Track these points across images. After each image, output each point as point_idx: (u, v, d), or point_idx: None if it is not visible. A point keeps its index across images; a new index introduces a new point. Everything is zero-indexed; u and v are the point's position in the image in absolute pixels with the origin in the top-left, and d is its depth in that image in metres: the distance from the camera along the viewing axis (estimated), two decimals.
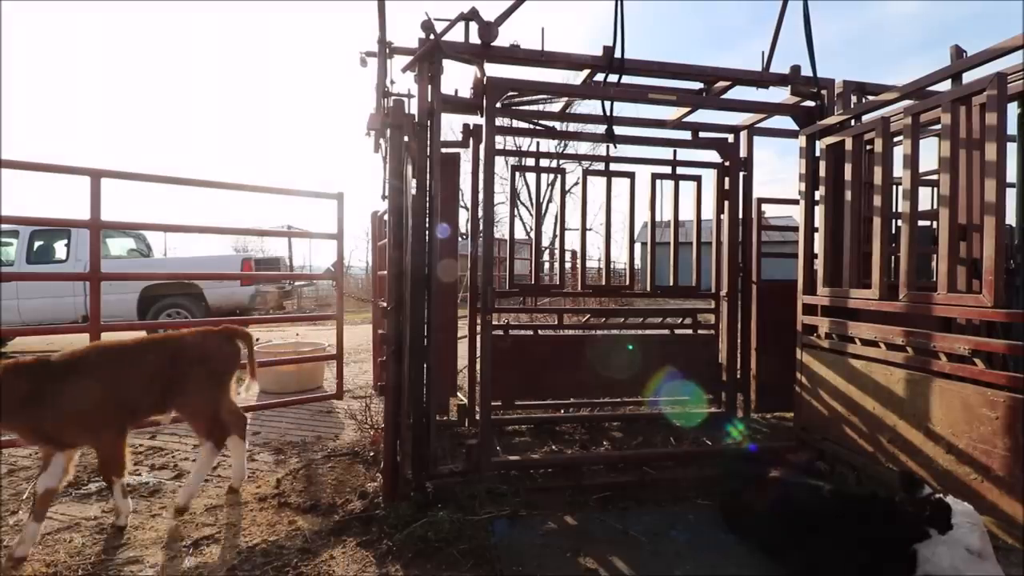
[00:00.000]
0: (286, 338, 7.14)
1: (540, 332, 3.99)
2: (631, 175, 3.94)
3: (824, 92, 3.28)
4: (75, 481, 3.02)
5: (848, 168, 2.90)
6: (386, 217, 3.07)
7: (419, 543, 2.21)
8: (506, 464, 2.87)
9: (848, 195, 2.91)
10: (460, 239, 3.94)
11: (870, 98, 3.15)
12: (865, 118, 2.94)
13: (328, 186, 6.09)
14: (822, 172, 3.14)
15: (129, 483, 3.00)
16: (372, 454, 3.24)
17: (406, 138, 2.74)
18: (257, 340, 8.30)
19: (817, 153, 3.19)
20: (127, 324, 5.54)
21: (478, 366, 3.21)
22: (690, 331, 4.09)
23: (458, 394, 3.89)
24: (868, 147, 3.04)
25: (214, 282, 7.77)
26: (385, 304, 2.80)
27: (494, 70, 3.01)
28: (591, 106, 6.76)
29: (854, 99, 3.26)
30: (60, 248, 7.59)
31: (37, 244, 7.50)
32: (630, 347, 3.86)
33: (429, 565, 2.15)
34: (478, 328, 3.42)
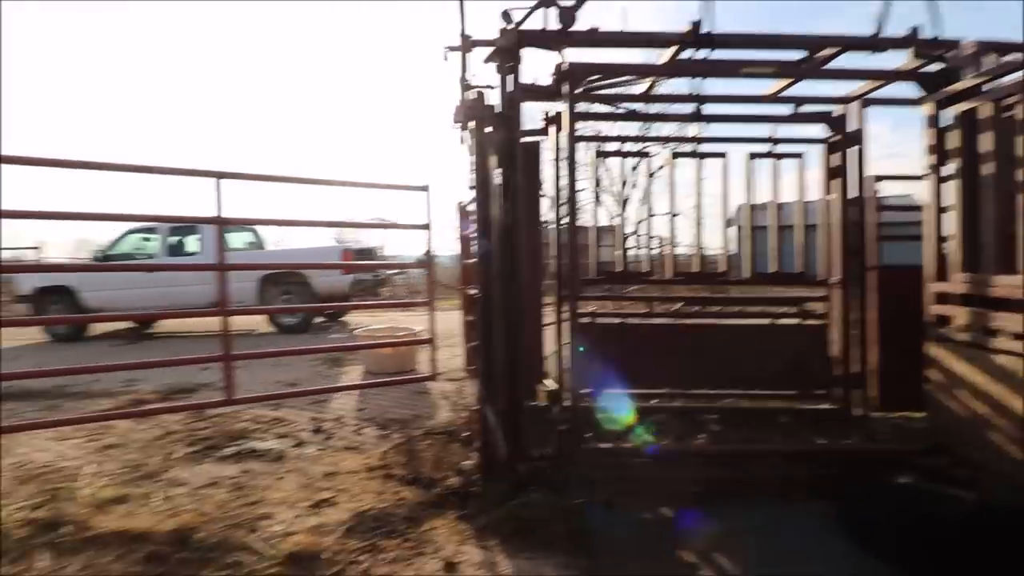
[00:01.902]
0: (382, 323, 7.63)
1: (629, 321, 3.95)
2: (723, 155, 3.75)
3: (951, 54, 2.90)
4: (215, 444, 3.49)
5: (984, 138, 2.56)
6: (471, 207, 3.19)
7: (514, 522, 2.31)
8: (597, 452, 2.90)
9: (986, 169, 2.57)
10: (544, 227, 3.99)
11: (1007, 58, 2.74)
12: (1004, 81, 2.57)
13: (414, 178, 6.38)
14: (953, 144, 2.79)
15: (258, 448, 3.43)
16: (466, 434, 3.42)
17: (489, 129, 2.81)
18: (358, 325, 8.91)
19: (946, 123, 2.84)
20: (249, 309, 6.25)
21: (566, 353, 3.26)
22: (796, 321, 3.83)
23: (545, 381, 3.98)
24: (1008, 113, 2.66)
25: (318, 271, 8.49)
26: (473, 292, 2.93)
27: (573, 55, 3.00)
28: (677, 85, 6.47)
29: (988, 61, 2.85)
30: (192, 242, 8.67)
31: (175, 239, 8.61)
32: (729, 338, 3.70)
33: (525, 543, 2.24)
34: (565, 316, 3.46)
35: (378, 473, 2.98)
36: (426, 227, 4.26)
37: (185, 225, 8.44)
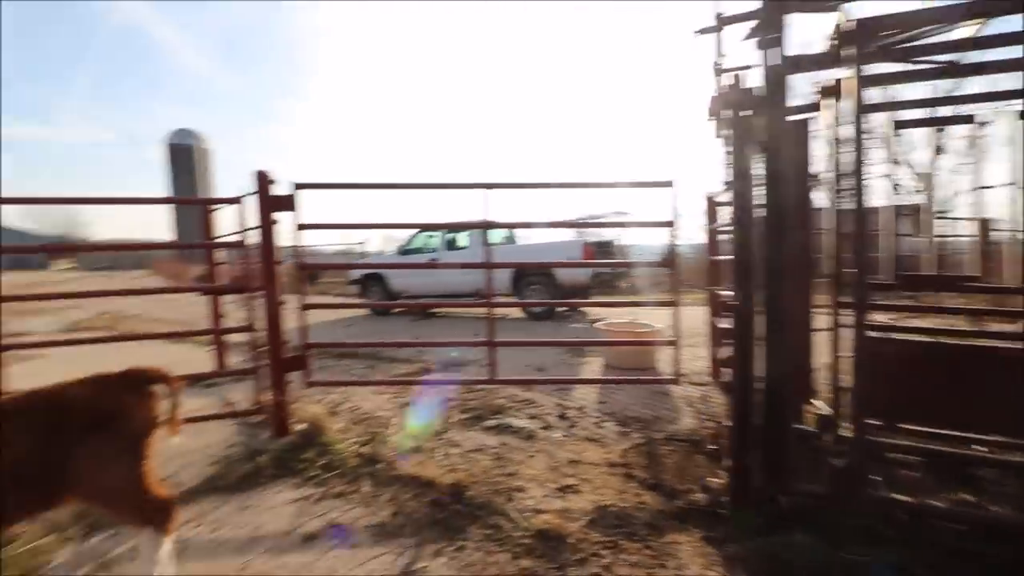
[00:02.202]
0: (622, 317, 7.70)
1: (942, 339, 3.04)
2: None
3: None
4: (480, 416, 4.05)
5: None
6: (723, 199, 2.90)
7: (772, 560, 2.06)
8: (888, 502, 2.32)
9: None
10: (816, 213, 3.38)
11: None
12: None
13: (659, 173, 6.19)
14: None
15: (513, 424, 3.84)
16: (712, 447, 3.19)
17: (747, 113, 2.51)
18: (597, 316, 9.18)
19: None
20: (509, 302, 7.00)
21: (843, 370, 2.72)
22: None
23: (814, 401, 3.40)
24: None
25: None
26: (724, 293, 2.68)
27: (853, 12, 2.42)
28: (1011, 23, 4.64)
29: None
30: (463, 237, 10.32)
31: (451, 236, 10.39)
32: None
33: None
34: (844, 324, 2.87)
35: (619, 470, 3.02)
36: (670, 224, 4.09)
37: (458, 227, 10.06)
